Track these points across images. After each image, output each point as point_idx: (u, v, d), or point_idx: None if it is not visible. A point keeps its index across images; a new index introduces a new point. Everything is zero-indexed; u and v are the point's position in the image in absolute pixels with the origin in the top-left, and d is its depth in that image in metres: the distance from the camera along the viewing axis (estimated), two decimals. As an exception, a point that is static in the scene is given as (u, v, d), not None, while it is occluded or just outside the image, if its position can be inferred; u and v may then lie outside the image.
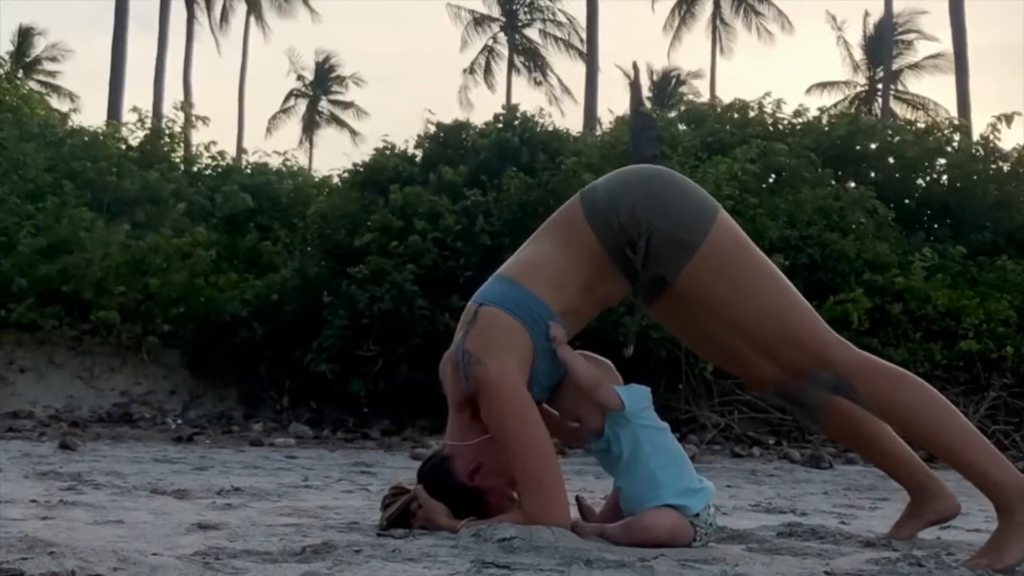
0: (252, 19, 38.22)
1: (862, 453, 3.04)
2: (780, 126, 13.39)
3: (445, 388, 2.72)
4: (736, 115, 13.77)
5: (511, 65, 38.87)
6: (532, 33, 39.25)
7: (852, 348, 2.62)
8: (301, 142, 43.82)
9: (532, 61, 39.03)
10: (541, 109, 12.99)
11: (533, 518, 2.45)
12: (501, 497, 2.61)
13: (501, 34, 39.33)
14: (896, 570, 2.22)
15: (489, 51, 39.45)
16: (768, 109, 13.71)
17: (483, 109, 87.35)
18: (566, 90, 38.54)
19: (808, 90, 38.51)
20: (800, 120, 13.66)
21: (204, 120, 16.88)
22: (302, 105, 44.95)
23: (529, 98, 39.85)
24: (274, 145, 59.43)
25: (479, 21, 39.14)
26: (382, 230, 10.38)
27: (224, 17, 37.73)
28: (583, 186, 2.84)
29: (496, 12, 39.18)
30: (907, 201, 12.60)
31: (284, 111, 44.71)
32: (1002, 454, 2.54)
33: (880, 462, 2.92)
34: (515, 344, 2.56)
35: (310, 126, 44.67)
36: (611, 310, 8.87)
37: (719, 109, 14.34)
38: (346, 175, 12.55)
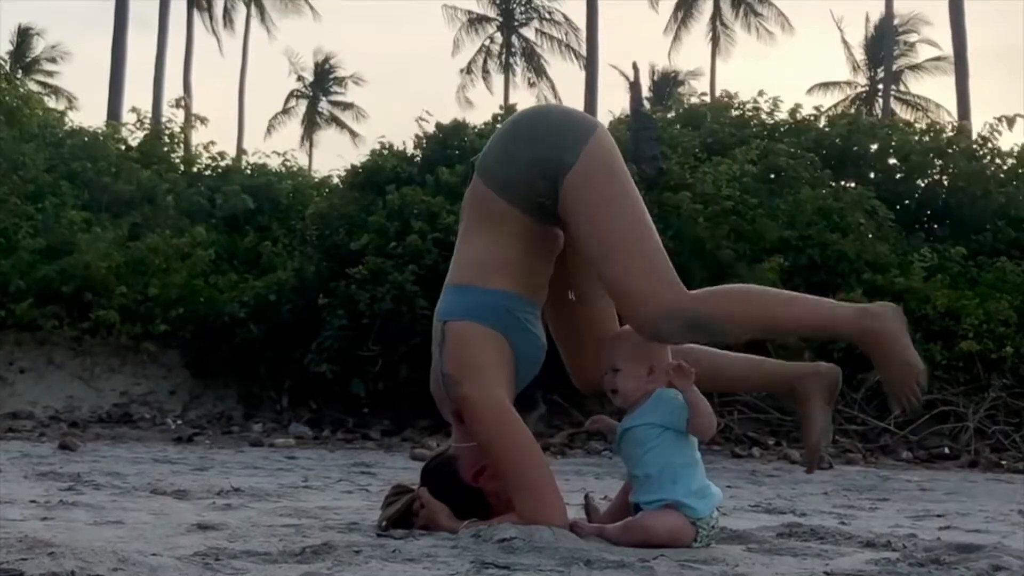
0: (253, 19, 38.26)
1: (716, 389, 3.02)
2: (780, 129, 13.40)
3: (440, 407, 2.74)
4: (734, 112, 13.79)
5: (507, 65, 38.86)
6: (529, 33, 39.28)
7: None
8: (302, 142, 43.84)
9: (527, 61, 39.04)
10: None
11: (530, 521, 2.45)
12: (504, 500, 2.61)
13: (498, 34, 39.33)
14: (896, 570, 2.22)
15: (486, 51, 39.44)
16: (764, 107, 13.73)
17: (482, 109, 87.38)
18: (555, 94, 38.58)
19: (810, 90, 38.54)
20: (797, 119, 13.67)
21: (203, 120, 16.89)
22: (302, 106, 44.95)
23: (526, 99, 39.84)
24: (274, 146, 59.48)
25: (475, 21, 39.13)
26: (378, 232, 10.39)
27: (226, 17, 37.78)
28: None
29: (492, 12, 39.19)
30: (907, 201, 12.62)
31: (285, 112, 44.73)
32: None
33: (732, 384, 3.01)
34: (488, 352, 2.59)
35: (310, 127, 44.66)
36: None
37: (711, 108, 14.35)
38: (345, 176, 12.56)
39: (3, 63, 19.88)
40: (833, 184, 11.93)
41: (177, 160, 15.15)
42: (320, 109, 44.97)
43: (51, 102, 24.53)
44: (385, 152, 12.28)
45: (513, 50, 39.06)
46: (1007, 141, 44.04)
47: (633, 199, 2.62)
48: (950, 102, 26.82)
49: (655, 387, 2.55)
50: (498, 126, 2.76)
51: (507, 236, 2.63)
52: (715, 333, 2.58)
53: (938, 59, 36.12)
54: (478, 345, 2.59)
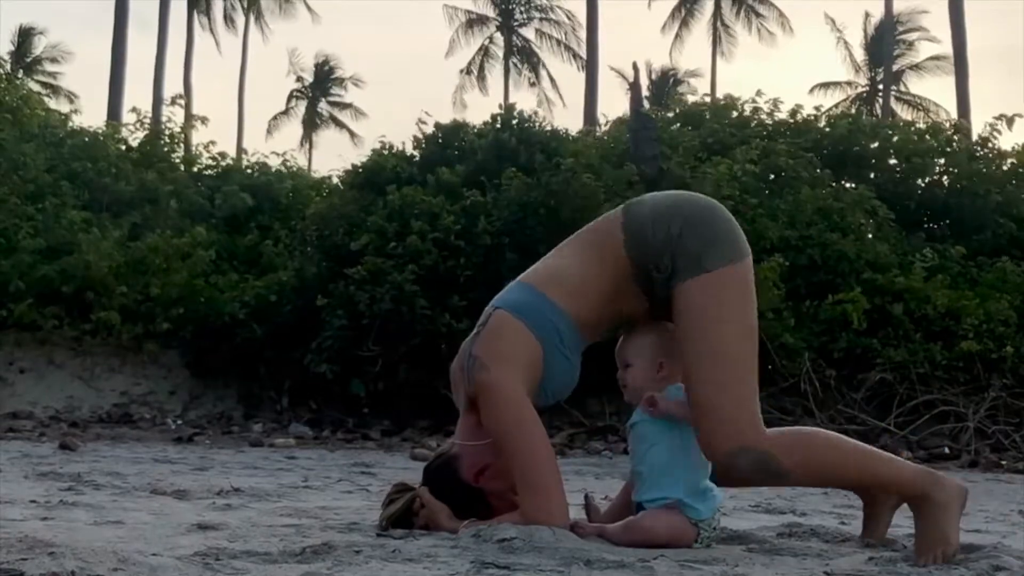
0: (252, 19, 38.27)
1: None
2: (780, 129, 13.39)
3: (454, 390, 2.73)
4: (735, 113, 13.78)
5: (507, 65, 38.84)
6: (528, 33, 39.27)
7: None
8: (301, 143, 43.85)
9: (527, 61, 39.02)
10: (536, 111, 13.00)
11: (531, 520, 2.45)
12: (505, 501, 2.61)
13: (497, 34, 39.31)
14: (896, 570, 2.22)
15: (484, 51, 39.42)
16: (764, 108, 13.72)
17: (483, 109, 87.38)
18: (558, 93, 38.57)
19: (811, 90, 38.56)
20: (798, 119, 13.66)
21: (203, 120, 16.89)
22: (302, 106, 44.97)
23: (525, 98, 39.89)
24: (274, 146, 59.54)
25: (474, 21, 39.12)
26: (378, 232, 10.39)
27: (226, 16, 37.81)
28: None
29: (492, 12, 39.18)
30: (907, 201, 12.61)
31: (285, 112, 44.75)
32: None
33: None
34: (521, 350, 2.57)
35: (309, 127, 44.68)
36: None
37: (712, 109, 14.34)
38: (345, 176, 12.56)
39: (3, 62, 19.82)
40: (833, 184, 11.92)
41: (177, 160, 15.15)
42: (319, 110, 44.99)
43: (52, 102, 24.52)
44: (385, 152, 12.29)
45: (514, 47, 39.04)
46: (1007, 140, 44.03)
47: (753, 334, 2.59)
48: (950, 102, 26.84)
49: (665, 384, 2.55)
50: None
51: (600, 272, 2.62)
52: (779, 478, 2.52)
53: (938, 58, 36.12)
54: (516, 341, 2.57)
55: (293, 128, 46.09)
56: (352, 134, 43.77)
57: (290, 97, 44.77)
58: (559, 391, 2.67)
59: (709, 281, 2.54)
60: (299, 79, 44.62)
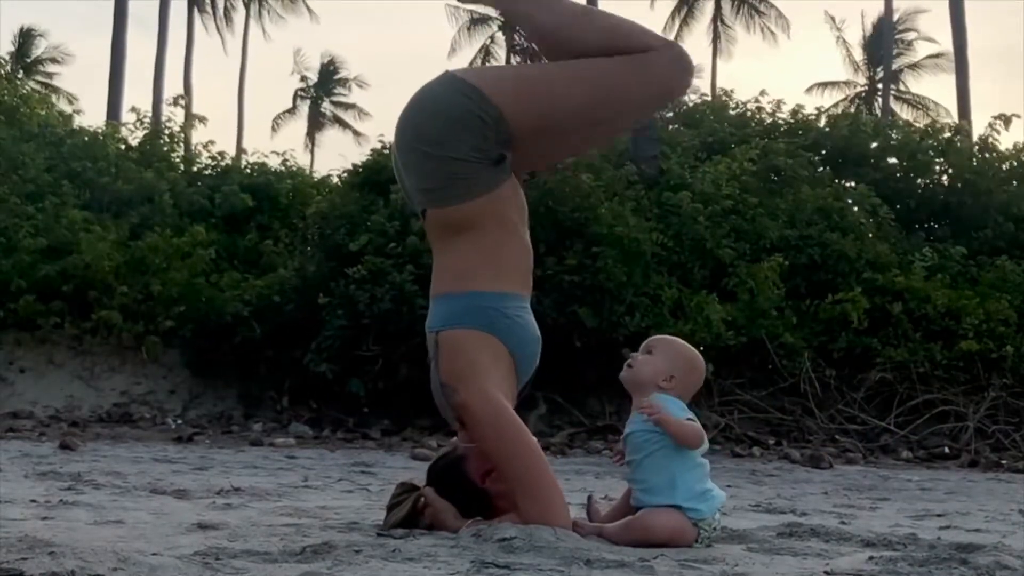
0: (252, 19, 38.27)
1: None
2: (780, 129, 13.39)
3: (442, 412, 2.75)
4: (737, 111, 13.79)
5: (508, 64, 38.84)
6: (532, 32, 39.15)
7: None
8: (306, 144, 43.82)
9: (529, 61, 38.96)
10: None
11: (534, 523, 2.45)
12: (510, 502, 2.61)
13: (499, 33, 39.29)
14: (896, 570, 2.21)
15: (485, 51, 39.39)
16: (767, 107, 13.73)
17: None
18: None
19: (808, 89, 38.51)
20: (798, 119, 13.67)
21: (202, 120, 16.89)
22: (305, 106, 44.95)
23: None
24: (278, 146, 59.59)
25: (476, 21, 39.10)
26: (379, 232, 10.39)
27: (226, 16, 37.80)
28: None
29: (495, 12, 39.12)
30: (907, 201, 12.62)
31: (290, 111, 44.72)
32: None
33: None
34: (481, 356, 2.60)
35: (313, 127, 44.66)
36: (611, 311, 8.88)
37: (712, 108, 14.35)
38: (346, 175, 12.56)
39: (3, 62, 19.82)
40: (833, 183, 11.93)
41: (177, 159, 15.15)
42: (323, 109, 44.97)
43: (56, 102, 24.51)
44: (386, 151, 12.28)
45: (515, 46, 38.98)
46: (1007, 140, 43.97)
47: (543, 67, 2.77)
48: (949, 101, 26.85)
49: (664, 393, 2.55)
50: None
51: (476, 233, 2.64)
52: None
53: (937, 56, 36.08)
54: (470, 350, 2.60)
55: (297, 127, 46.12)
56: (356, 133, 43.78)
57: (295, 96, 44.79)
58: (531, 358, 2.71)
59: (507, 113, 2.60)
60: (303, 79, 44.64)
